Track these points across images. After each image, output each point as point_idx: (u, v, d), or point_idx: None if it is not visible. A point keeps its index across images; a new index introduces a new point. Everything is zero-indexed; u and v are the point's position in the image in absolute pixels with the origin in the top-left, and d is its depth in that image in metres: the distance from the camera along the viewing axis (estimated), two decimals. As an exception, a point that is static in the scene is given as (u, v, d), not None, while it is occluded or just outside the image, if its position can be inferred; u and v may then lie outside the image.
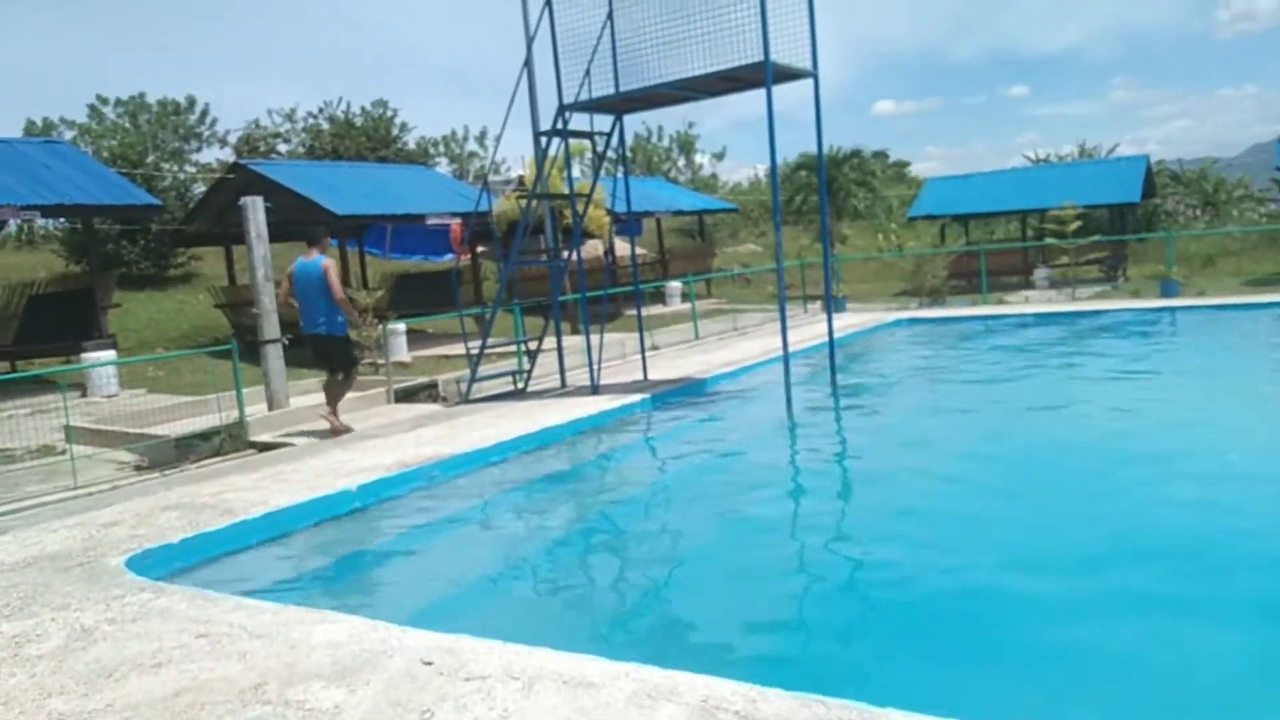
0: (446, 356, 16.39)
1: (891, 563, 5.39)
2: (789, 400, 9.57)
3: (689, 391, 10.90)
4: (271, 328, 11.44)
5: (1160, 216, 35.92)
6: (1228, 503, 6.00)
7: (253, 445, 10.19)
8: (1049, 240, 21.36)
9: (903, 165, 54.56)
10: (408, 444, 8.48)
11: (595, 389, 10.86)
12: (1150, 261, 28.24)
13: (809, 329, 16.07)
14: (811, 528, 6.35)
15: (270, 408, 11.40)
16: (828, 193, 29.52)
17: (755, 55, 9.17)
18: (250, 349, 12.01)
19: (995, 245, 25.71)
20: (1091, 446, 7.81)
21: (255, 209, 11.27)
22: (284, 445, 9.75)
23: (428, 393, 12.14)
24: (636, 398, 10.17)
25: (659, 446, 9.16)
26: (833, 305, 12.05)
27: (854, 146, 44.58)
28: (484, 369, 13.52)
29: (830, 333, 10.91)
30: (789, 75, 9.75)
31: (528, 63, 10.91)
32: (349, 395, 11.92)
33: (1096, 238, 22.49)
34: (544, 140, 11.01)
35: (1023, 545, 5.50)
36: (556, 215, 18.37)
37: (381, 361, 15.63)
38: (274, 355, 11.43)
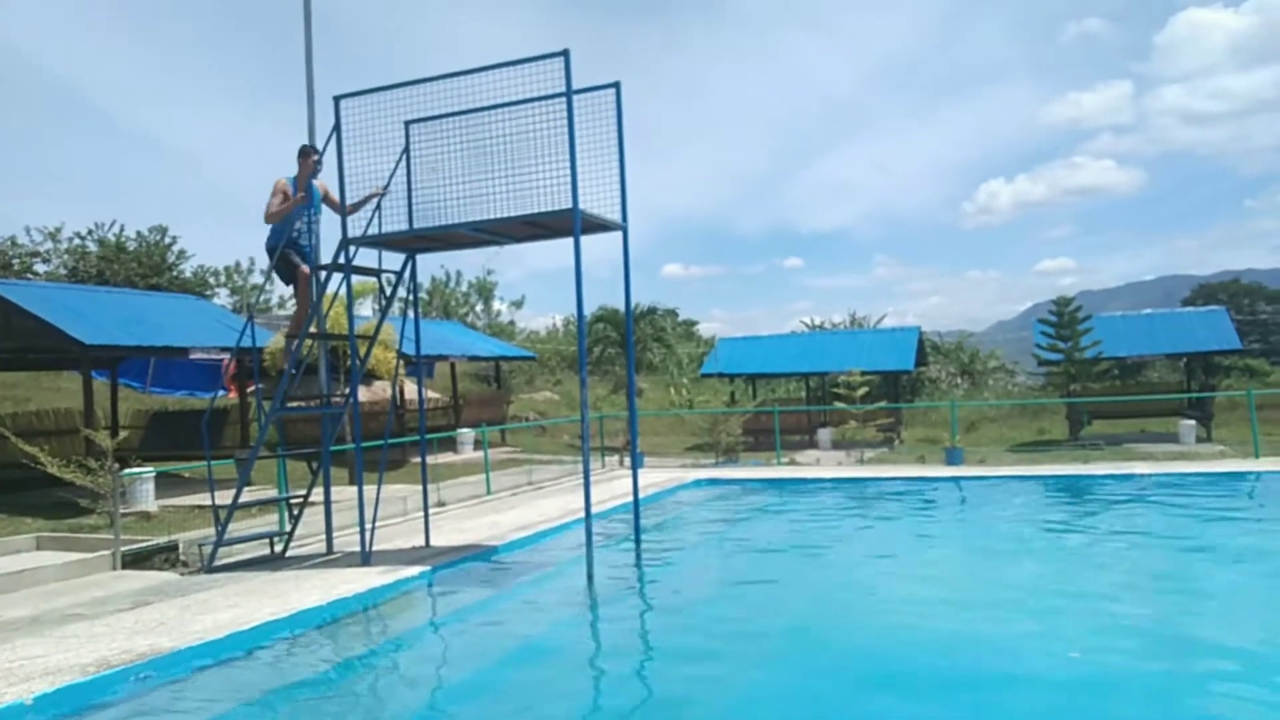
0: (201, 507, 14.40)
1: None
2: (590, 577, 8.54)
3: (477, 561, 9.65)
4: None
5: (924, 383, 38.46)
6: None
7: (-76, 626, 8.13)
8: (838, 404, 21.91)
9: (691, 324, 56.35)
10: (120, 631, 6.84)
11: (366, 558, 9.45)
12: (919, 425, 29.83)
13: (609, 486, 15.29)
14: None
15: (-40, 575, 9.31)
16: (625, 347, 29.61)
17: (564, 203, 8.67)
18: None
19: (789, 409, 26.27)
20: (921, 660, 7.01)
21: (-39, 333, 9.47)
22: (-36, 626, 7.79)
23: (165, 556, 10.32)
24: (414, 570, 8.84)
25: (435, 639, 7.73)
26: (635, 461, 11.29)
27: (650, 304, 45.67)
28: (240, 527, 11.80)
29: (635, 496, 10.09)
30: (598, 226, 9.27)
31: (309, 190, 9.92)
32: (70, 558, 10.01)
33: (883, 404, 23.33)
34: (322, 275, 9.94)
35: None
36: (339, 356, 17.02)
37: (124, 513, 13.46)
38: (-31, 510, 9.42)
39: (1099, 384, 24.37)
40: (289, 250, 9.98)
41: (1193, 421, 21.86)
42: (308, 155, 9.96)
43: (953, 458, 17.62)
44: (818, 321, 46.14)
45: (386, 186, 9.73)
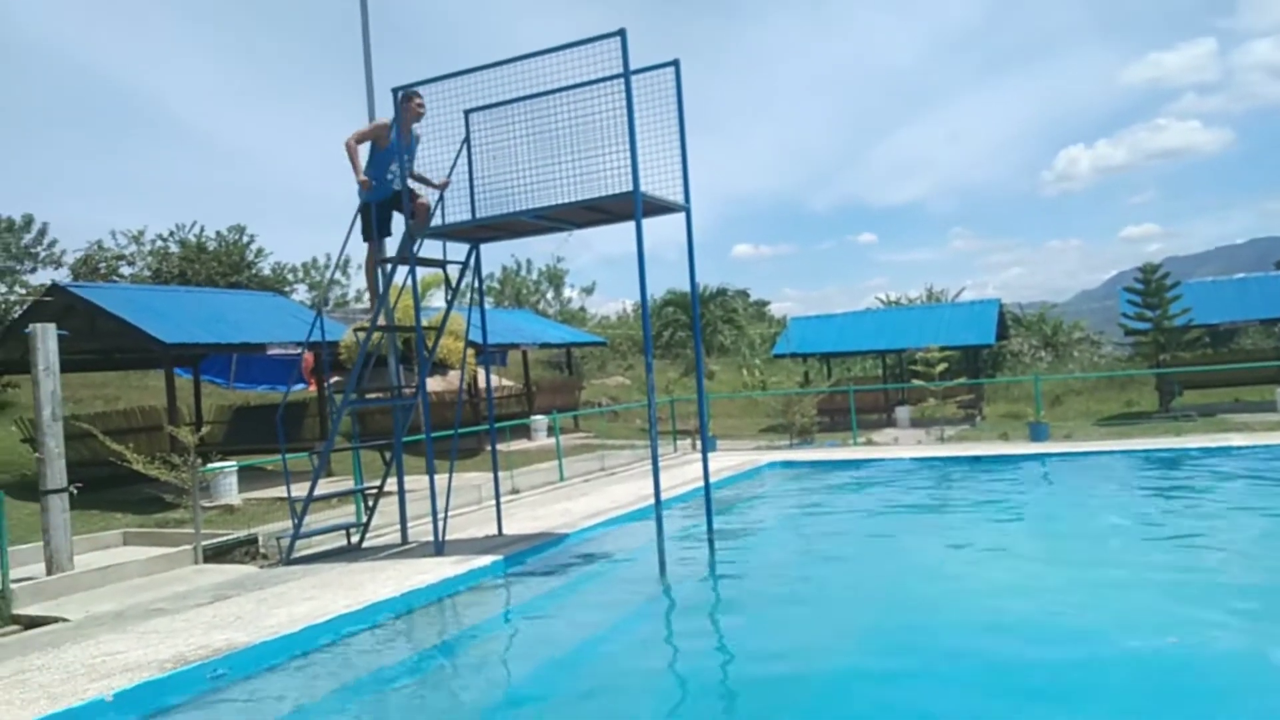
0: (282, 499, 14.72)
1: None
2: (662, 565, 8.39)
3: (549, 550, 9.60)
4: (56, 475, 9.74)
5: (1006, 357, 37.40)
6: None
7: (18, 620, 8.39)
8: (916, 381, 21.40)
9: (763, 304, 55.86)
10: (198, 626, 6.93)
11: (439, 548, 9.48)
12: (1001, 400, 29.01)
13: (680, 471, 15.15)
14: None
15: (49, 570, 9.62)
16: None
17: (625, 187, 8.51)
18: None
19: (865, 388, 25.79)
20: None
21: (45, 338, 9.75)
22: (54, 620, 8.03)
23: (245, 549, 10.51)
24: (486, 560, 8.83)
25: (508, 631, 7.62)
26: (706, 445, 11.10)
27: (719, 285, 45.27)
28: (319, 518, 11.98)
29: (706, 480, 9.91)
30: (660, 208, 9.10)
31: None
32: (154, 552, 10.27)
33: (963, 380, 22.72)
34: (389, 268, 9.95)
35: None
36: (409, 347, 17.20)
37: (209, 506, 13.81)
38: (57, 508, 9.70)
39: (1189, 353, 23.38)
40: (371, 212, 9.94)
41: (1292, 389, 20.82)
42: (410, 99, 9.73)
43: (1037, 434, 17.03)
44: (894, 297, 45.21)
45: (448, 179, 9.70)
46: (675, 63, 9.14)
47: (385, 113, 9.97)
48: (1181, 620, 6.64)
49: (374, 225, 10.03)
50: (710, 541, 9.62)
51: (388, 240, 10.33)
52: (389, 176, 9.91)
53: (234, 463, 15.60)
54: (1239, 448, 13.81)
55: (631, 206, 8.52)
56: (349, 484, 13.64)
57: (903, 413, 23.90)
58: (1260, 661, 5.78)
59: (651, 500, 8.83)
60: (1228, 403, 23.33)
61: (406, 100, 9.72)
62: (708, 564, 9.21)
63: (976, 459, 15.26)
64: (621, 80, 8.39)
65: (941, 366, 20.73)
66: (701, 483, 10.33)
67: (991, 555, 9.33)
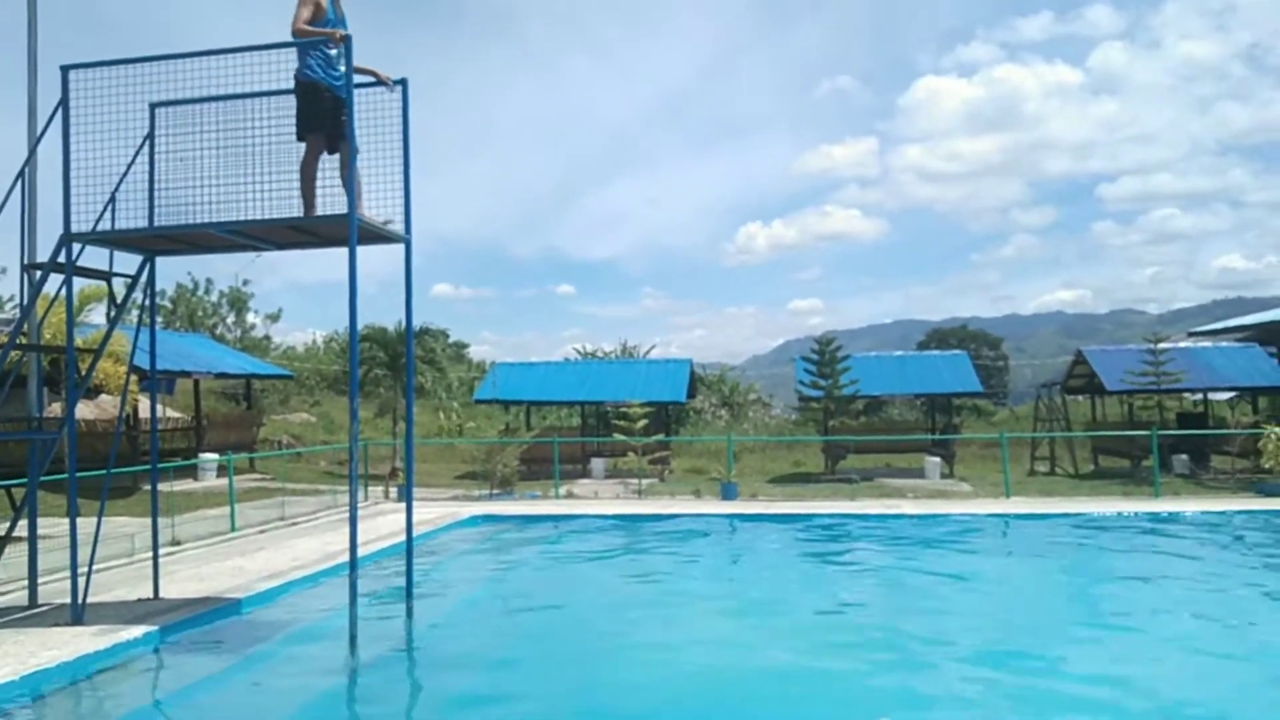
0: None
1: None
2: (354, 642, 7.31)
3: (216, 619, 8.25)
4: None
5: (689, 414, 39.33)
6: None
7: None
8: (619, 436, 21.61)
9: (462, 346, 55.05)
10: None
11: (78, 614, 7.86)
12: (685, 455, 30.23)
13: (374, 524, 13.99)
14: None
15: None
16: (393, 369, 28.08)
17: (338, 208, 7.67)
18: None
19: (570, 439, 25.78)
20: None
21: None
22: None
23: None
24: (137, 630, 7.40)
25: None
26: (404, 494, 10.19)
27: (420, 325, 44.02)
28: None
29: (409, 541, 9.01)
30: (378, 236, 8.27)
31: (24, 174, 8.29)
32: None
33: (663, 437, 23.24)
34: (37, 275, 8.30)
35: None
36: (60, 368, 14.75)
37: None
38: None
39: (855, 420, 25.61)
40: (322, 88, 7.76)
41: (938, 459, 23.33)
42: None
43: (728, 493, 17.66)
44: (590, 349, 46.24)
45: (396, 81, 8.15)
46: (403, 81, 8.45)
47: (52, 96, 8.32)
48: (891, 693, 6.74)
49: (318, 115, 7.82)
50: (409, 610, 8.72)
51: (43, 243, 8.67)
52: (334, 54, 7.77)
53: None
54: (909, 515, 14.98)
55: (345, 231, 7.65)
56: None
57: (598, 464, 24.16)
58: None
59: (339, 558, 7.88)
60: (882, 468, 25.75)
61: None
62: (404, 639, 8.28)
63: (675, 516, 15.49)
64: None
65: (643, 422, 21.11)
66: (396, 538, 9.45)
67: (706, 623, 9.19)
